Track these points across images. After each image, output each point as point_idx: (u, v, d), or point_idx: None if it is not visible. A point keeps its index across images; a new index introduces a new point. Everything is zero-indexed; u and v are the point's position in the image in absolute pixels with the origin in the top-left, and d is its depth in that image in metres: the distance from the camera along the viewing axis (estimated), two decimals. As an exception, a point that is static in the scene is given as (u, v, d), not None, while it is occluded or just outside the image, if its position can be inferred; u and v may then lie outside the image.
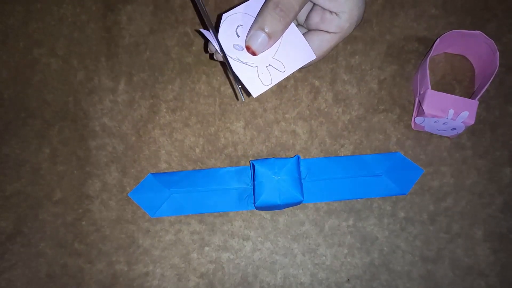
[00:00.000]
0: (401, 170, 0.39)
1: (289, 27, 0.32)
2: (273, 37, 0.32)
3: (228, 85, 0.41)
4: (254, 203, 0.37)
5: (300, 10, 0.32)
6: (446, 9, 0.41)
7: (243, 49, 0.32)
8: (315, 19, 0.34)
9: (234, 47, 0.32)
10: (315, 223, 0.39)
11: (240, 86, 0.32)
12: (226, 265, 0.38)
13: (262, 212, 0.39)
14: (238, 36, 0.32)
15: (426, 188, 0.39)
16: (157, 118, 0.40)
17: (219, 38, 0.32)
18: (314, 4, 0.33)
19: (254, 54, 0.32)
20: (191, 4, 0.42)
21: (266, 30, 0.31)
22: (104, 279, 0.38)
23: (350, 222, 0.39)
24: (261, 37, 0.31)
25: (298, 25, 0.36)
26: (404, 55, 0.41)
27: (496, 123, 0.40)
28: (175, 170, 0.39)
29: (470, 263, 0.38)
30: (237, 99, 0.39)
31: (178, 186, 0.38)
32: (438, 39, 0.38)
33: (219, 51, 0.32)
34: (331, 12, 0.33)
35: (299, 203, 0.37)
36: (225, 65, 0.33)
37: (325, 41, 0.34)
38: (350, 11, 0.32)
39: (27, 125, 0.40)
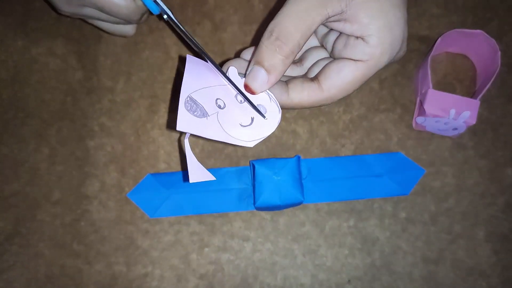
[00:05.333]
0: (402, 170, 0.38)
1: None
2: (272, 72, 0.27)
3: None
4: (254, 203, 0.37)
5: (303, 39, 0.26)
6: (448, 8, 0.41)
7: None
8: (339, 46, 0.29)
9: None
10: (315, 224, 0.38)
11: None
12: (226, 266, 0.38)
13: (262, 213, 0.39)
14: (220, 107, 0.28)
15: (428, 189, 0.39)
16: (156, 117, 0.40)
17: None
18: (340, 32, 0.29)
19: (253, 93, 0.28)
20: (190, 3, 0.42)
21: (265, 65, 0.27)
22: (103, 280, 0.38)
23: (351, 222, 0.38)
24: (261, 73, 0.27)
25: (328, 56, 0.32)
26: (405, 54, 0.40)
27: (498, 122, 0.39)
28: (174, 171, 0.39)
29: (471, 264, 0.38)
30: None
31: (177, 187, 0.38)
32: (440, 38, 0.38)
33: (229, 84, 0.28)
34: (356, 37, 0.28)
35: (299, 203, 0.37)
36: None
37: (348, 71, 0.28)
38: (379, 33, 0.27)
39: (26, 125, 0.40)
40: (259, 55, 0.27)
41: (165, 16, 0.30)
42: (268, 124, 0.28)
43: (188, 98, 0.27)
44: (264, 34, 0.27)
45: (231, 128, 0.28)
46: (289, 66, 0.28)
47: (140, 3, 0.33)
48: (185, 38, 0.28)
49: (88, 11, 0.34)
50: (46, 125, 0.40)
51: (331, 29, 0.31)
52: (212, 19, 0.41)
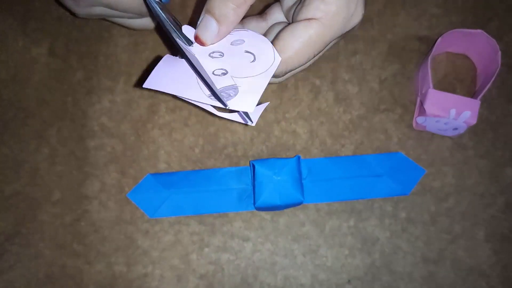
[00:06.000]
0: (402, 170, 0.38)
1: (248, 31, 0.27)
2: (223, 22, 0.25)
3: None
4: (254, 203, 0.37)
5: None
6: (448, 8, 0.41)
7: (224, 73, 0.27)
8: (297, 10, 0.28)
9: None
10: (315, 224, 0.38)
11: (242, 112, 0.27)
12: (226, 266, 0.38)
13: (262, 213, 0.39)
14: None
15: (428, 189, 0.39)
16: (156, 118, 0.40)
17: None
18: None
19: (203, 44, 0.26)
20: (190, 3, 0.42)
21: (215, 14, 0.25)
22: (103, 280, 0.38)
23: (351, 222, 0.38)
24: (211, 23, 0.25)
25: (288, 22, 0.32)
26: (405, 54, 0.41)
27: (498, 122, 0.39)
28: (174, 171, 0.39)
29: (471, 264, 0.38)
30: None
31: (177, 187, 0.38)
32: (440, 38, 0.37)
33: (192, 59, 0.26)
34: None
35: (299, 203, 0.37)
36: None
37: (302, 30, 0.27)
38: None
39: (26, 125, 0.40)
40: (210, 3, 0.25)
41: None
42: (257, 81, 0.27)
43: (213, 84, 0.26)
44: None
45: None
46: (242, 16, 0.26)
47: None
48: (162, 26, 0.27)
49: (100, 10, 0.34)
50: (46, 125, 0.40)
51: (295, 3, 0.30)
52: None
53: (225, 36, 0.27)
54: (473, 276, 0.37)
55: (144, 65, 0.41)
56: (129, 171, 0.39)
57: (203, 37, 0.26)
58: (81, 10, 0.35)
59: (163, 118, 0.40)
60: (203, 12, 0.26)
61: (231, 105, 0.26)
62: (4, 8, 0.42)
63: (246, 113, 0.28)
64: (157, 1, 0.28)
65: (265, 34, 0.32)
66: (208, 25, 0.26)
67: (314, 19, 0.27)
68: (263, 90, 0.26)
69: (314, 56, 0.28)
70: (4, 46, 0.41)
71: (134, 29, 0.38)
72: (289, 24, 0.28)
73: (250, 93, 0.26)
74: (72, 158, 0.40)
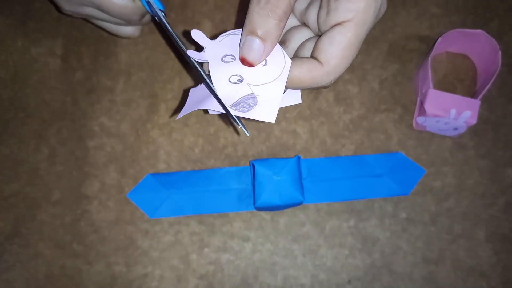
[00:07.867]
0: (402, 170, 0.38)
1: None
2: (267, 39, 0.25)
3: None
4: (254, 203, 0.37)
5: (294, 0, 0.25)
6: (448, 8, 0.41)
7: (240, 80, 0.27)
8: (322, 16, 0.28)
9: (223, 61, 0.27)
10: (315, 224, 0.38)
11: (238, 122, 0.27)
12: (226, 266, 0.38)
13: (262, 213, 0.39)
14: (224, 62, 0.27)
15: (428, 189, 0.39)
16: (156, 117, 0.40)
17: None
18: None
19: (251, 65, 0.26)
20: (190, 3, 0.42)
21: (259, 33, 0.25)
22: (102, 280, 0.38)
23: (351, 223, 0.38)
24: (255, 43, 0.25)
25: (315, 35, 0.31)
26: (405, 54, 0.41)
27: (498, 122, 0.39)
28: (174, 171, 0.39)
29: (472, 264, 0.37)
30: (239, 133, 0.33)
31: (177, 187, 0.38)
32: (440, 38, 0.37)
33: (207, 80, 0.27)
34: None
35: (299, 203, 0.37)
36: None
37: (339, 36, 0.26)
38: None
39: (26, 125, 0.40)
40: (251, 23, 0.25)
41: (156, 18, 0.30)
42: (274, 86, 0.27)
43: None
44: (251, 1, 0.25)
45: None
46: (283, 29, 0.26)
47: (139, 3, 0.33)
48: (172, 40, 0.28)
49: (89, 11, 0.34)
50: (46, 125, 0.40)
51: (309, 4, 0.30)
52: (212, 19, 0.41)
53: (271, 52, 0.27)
54: (473, 276, 0.37)
55: (144, 65, 0.41)
56: (129, 171, 0.39)
57: (250, 58, 0.26)
58: (70, 7, 0.34)
59: (163, 118, 0.40)
60: (243, 33, 0.26)
61: (252, 115, 0.27)
62: (4, 8, 0.42)
63: (242, 123, 0.28)
64: (163, 15, 0.29)
65: (284, 41, 0.32)
66: (253, 45, 0.26)
67: (348, 21, 0.26)
68: (281, 97, 0.27)
69: (356, 55, 0.28)
70: (4, 46, 0.41)
71: (117, 36, 0.38)
72: (322, 34, 0.28)
73: (269, 102, 0.26)
74: (71, 158, 0.39)
